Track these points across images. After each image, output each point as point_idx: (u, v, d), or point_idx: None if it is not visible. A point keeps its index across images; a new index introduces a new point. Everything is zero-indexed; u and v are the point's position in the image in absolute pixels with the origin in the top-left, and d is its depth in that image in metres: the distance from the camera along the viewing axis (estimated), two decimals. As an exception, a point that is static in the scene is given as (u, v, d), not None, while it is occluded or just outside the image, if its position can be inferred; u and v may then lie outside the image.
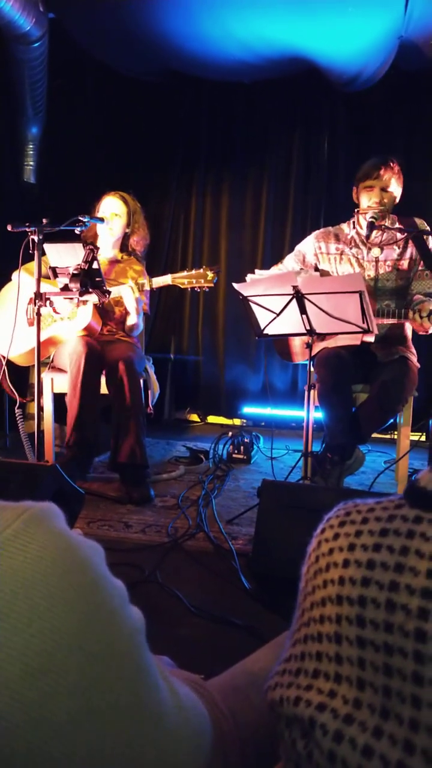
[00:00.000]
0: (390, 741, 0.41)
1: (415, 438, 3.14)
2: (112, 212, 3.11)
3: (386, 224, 2.81)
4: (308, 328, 2.52)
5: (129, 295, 2.94)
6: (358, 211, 2.88)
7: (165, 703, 0.50)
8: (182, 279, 2.93)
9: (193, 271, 2.93)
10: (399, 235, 2.86)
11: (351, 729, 0.43)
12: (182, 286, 2.94)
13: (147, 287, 2.97)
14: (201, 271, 2.92)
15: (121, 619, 0.46)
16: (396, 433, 3.20)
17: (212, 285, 2.93)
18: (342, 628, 0.46)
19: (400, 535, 0.47)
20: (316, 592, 0.50)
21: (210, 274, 2.90)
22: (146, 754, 0.47)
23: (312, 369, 2.68)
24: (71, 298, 2.77)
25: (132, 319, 3.08)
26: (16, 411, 2.87)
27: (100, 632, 0.44)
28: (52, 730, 0.40)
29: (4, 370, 2.90)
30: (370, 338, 2.73)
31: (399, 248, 2.89)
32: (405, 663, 0.42)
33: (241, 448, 3.58)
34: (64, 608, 0.42)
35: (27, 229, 2.54)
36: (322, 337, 2.78)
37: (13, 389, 2.89)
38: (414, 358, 2.91)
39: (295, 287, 2.41)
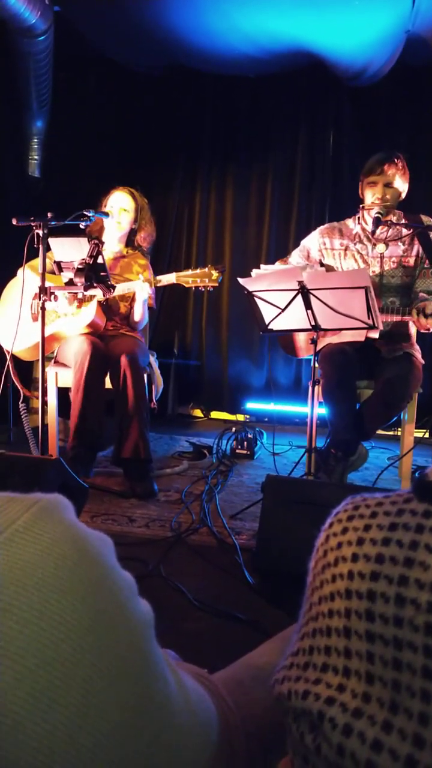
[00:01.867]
0: (399, 735, 0.41)
1: (419, 435, 3.14)
2: (121, 207, 3.11)
3: (392, 220, 2.80)
4: (313, 323, 2.51)
5: (141, 291, 2.94)
6: (362, 207, 2.87)
7: (173, 695, 0.50)
8: (187, 278, 2.92)
9: (198, 270, 2.92)
10: (405, 231, 2.85)
11: (360, 723, 0.43)
12: (186, 285, 2.93)
13: (153, 285, 2.97)
14: (206, 270, 2.90)
15: (130, 611, 0.46)
16: (400, 429, 3.20)
17: (217, 285, 2.91)
18: (351, 623, 0.46)
19: (409, 530, 0.46)
20: (325, 586, 0.50)
21: (215, 274, 2.89)
22: (154, 747, 0.47)
23: (316, 365, 2.68)
24: (76, 293, 2.77)
25: (138, 314, 3.09)
26: (21, 405, 2.87)
27: (110, 624, 0.44)
28: (61, 723, 0.40)
29: (10, 364, 2.90)
30: (375, 334, 2.73)
31: (404, 245, 2.88)
32: (414, 657, 0.42)
33: (245, 443, 3.58)
34: (74, 600, 0.42)
35: (32, 224, 2.53)
36: (326, 332, 2.77)
37: (19, 383, 2.89)
38: (418, 355, 2.90)
39: (300, 282, 2.40)
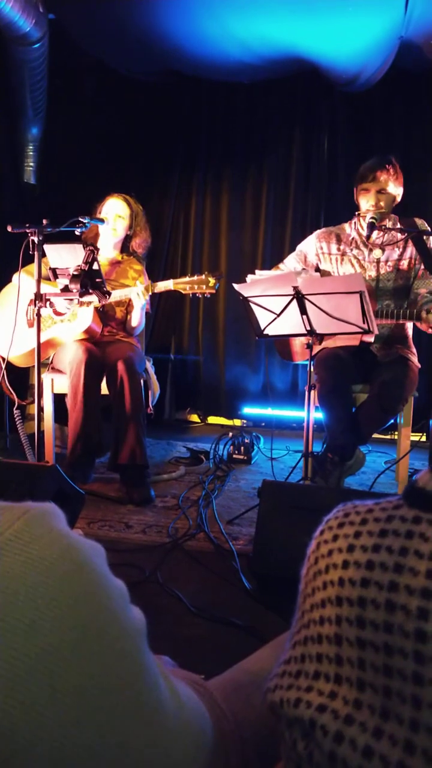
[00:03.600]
0: (390, 741, 0.41)
1: (416, 438, 3.15)
2: (116, 214, 3.12)
3: (387, 225, 2.81)
4: (308, 328, 2.52)
5: (138, 297, 2.94)
6: (358, 214, 2.88)
7: (165, 702, 0.50)
8: (184, 284, 2.91)
9: (195, 277, 2.90)
10: (399, 236, 2.86)
11: (351, 730, 0.43)
12: (183, 292, 2.92)
13: (150, 291, 2.97)
14: (203, 277, 2.89)
15: (122, 619, 0.46)
16: (396, 433, 3.20)
17: (214, 291, 2.90)
18: (342, 630, 0.46)
19: (399, 536, 0.47)
20: (316, 593, 0.50)
21: (212, 281, 2.88)
22: (147, 754, 0.47)
23: (312, 369, 2.68)
24: (71, 299, 2.77)
25: (135, 319, 3.09)
26: (15, 412, 2.87)
27: (101, 632, 0.44)
28: (53, 730, 0.40)
29: (3, 371, 2.90)
30: (370, 338, 2.73)
31: (400, 249, 2.89)
32: (405, 663, 0.42)
33: (242, 448, 3.58)
34: (65, 609, 0.42)
35: (27, 230, 2.53)
36: (322, 337, 2.78)
37: (11, 390, 2.88)
38: (414, 359, 2.91)
39: (295, 288, 2.41)
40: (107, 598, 0.45)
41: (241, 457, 3.56)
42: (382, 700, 0.43)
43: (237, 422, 4.68)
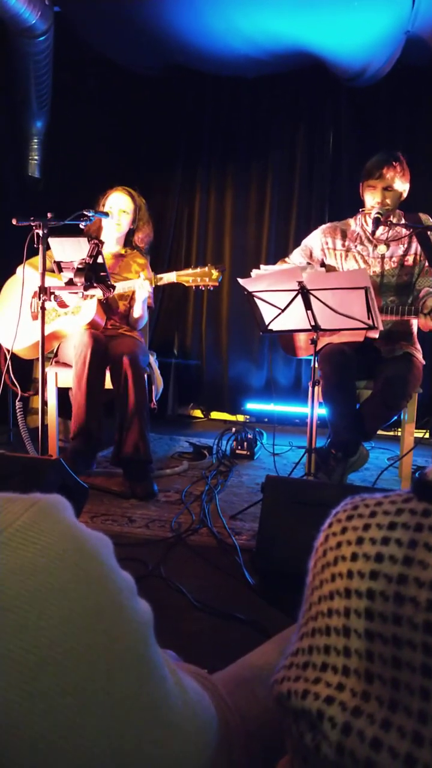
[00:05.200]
0: (399, 733, 0.41)
1: (420, 435, 3.14)
2: (120, 209, 3.11)
3: (392, 221, 2.80)
4: (313, 323, 2.51)
5: (140, 289, 2.94)
6: (363, 210, 2.87)
7: (172, 696, 0.50)
8: (187, 277, 2.92)
9: (198, 269, 2.91)
10: (404, 231, 2.85)
11: (359, 721, 0.43)
12: (186, 284, 2.93)
13: (154, 284, 2.97)
14: (206, 269, 2.90)
15: (129, 611, 0.46)
16: (400, 429, 3.20)
17: (217, 284, 2.91)
18: (350, 621, 0.46)
19: (408, 529, 0.47)
20: (324, 585, 0.50)
21: (215, 273, 2.88)
22: (153, 747, 0.47)
23: (316, 365, 2.68)
24: (76, 293, 2.77)
25: (138, 312, 3.09)
26: (17, 404, 2.87)
27: (108, 624, 0.44)
28: (60, 722, 0.40)
29: (8, 363, 2.90)
30: (374, 334, 2.73)
31: (404, 245, 2.88)
32: (414, 655, 0.42)
33: (245, 444, 3.58)
34: (72, 600, 0.42)
35: (31, 224, 2.53)
36: (326, 332, 2.77)
37: (15, 382, 2.89)
38: (419, 355, 2.90)
39: (300, 283, 2.40)
40: (116, 589, 0.45)
41: (244, 452, 3.56)
42: (391, 692, 0.43)
43: (240, 418, 4.69)
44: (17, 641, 0.39)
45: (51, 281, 2.63)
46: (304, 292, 2.42)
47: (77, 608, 0.42)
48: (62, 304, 2.89)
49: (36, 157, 4.40)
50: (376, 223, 2.70)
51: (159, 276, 2.97)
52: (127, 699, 0.44)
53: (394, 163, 2.78)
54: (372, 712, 0.43)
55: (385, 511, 0.49)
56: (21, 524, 0.43)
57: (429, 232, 2.78)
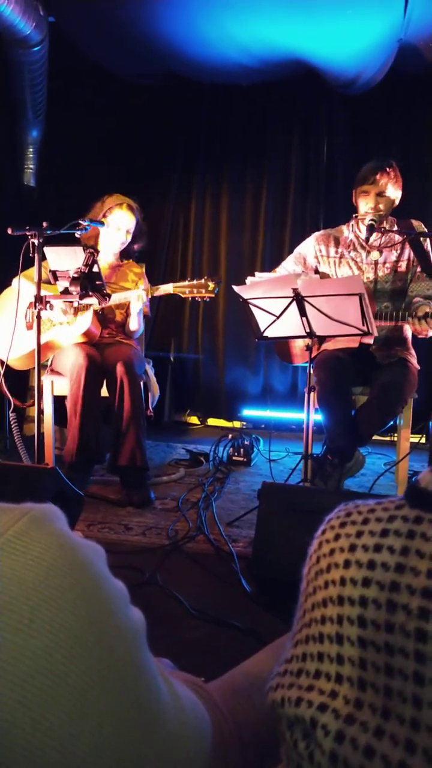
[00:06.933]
0: (391, 741, 0.41)
1: (415, 440, 3.14)
2: (127, 229, 3.11)
3: (385, 227, 2.81)
4: (308, 330, 2.52)
5: (136, 300, 2.95)
6: (356, 216, 2.88)
7: (165, 704, 0.49)
8: (183, 288, 2.93)
9: (195, 281, 2.93)
10: (397, 237, 2.86)
11: (352, 729, 0.43)
12: (183, 296, 2.94)
13: (150, 294, 2.98)
14: (202, 281, 2.92)
15: (121, 620, 0.46)
16: (396, 435, 3.20)
17: (213, 296, 2.93)
18: (343, 629, 0.46)
19: (400, 536, 0.47)
20: (317, 592, 0.50)
21: (211, 285, 2.90)
22: (146, 756, 0.47)
23: (312, 371, 2.68)
24: (71, 302, 2.77)
25: (134, 324, 3.09)
26: (11, 414, 2.86)
27: (100, 633, 0.44)
28: (52, 731, 0.40)
29: (1, 373, 2.89)
30: (369, 340, 2.73)
31: (397, 251, 2.89)
32: (406, 663, 0.42)
33: (241, 450, 3.58)
34: (65, 609, 0.42)
35: (27, 233, 2.53)
36: (322, 339, 2.78)
37: (8, 393, 2.88)
38: (414, 360, 2.91)
39: (295, 290, 2.41)
40: (107, 598, 0.45)
41: (241, 459, 3.56)
42: (383, 700, 0.43)
43: (236, 424, 4.69)
44: (8, 650, 0.39)
45: (47, 292, 2.64)
46: (298, 299, 2.43)
47: (69, 617, 0.42)
48: (65, 312, 2.89)
49: (31, 166, 4.40)
50: (370, 230, 2.72)
51: (155, 287, 2.98)
52: (120, 707, 0.44)
53: (387, 169, 2.79)
54: (365, 719, 0.43)
55: (377, 518, 0.49)
56: (13, 534, 0.43)
57: (421, 238, 2.80)
